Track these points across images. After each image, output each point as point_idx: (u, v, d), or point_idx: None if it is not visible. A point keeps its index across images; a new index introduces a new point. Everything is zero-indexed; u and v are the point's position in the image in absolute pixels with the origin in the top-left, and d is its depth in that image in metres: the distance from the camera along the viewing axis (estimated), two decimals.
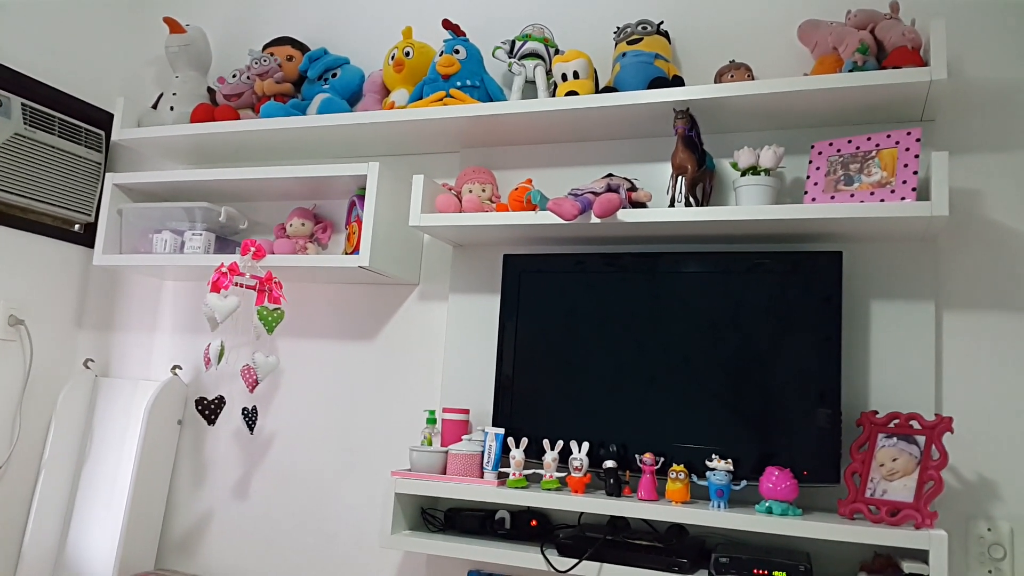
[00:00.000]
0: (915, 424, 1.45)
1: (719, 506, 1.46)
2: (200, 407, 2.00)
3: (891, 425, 1.47)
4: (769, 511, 1.43)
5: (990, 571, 1.50)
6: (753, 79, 1.69)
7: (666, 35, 1.79)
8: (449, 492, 1.62)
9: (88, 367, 2.24)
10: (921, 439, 1.43)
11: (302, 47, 2.16)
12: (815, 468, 1.49)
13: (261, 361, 1.90)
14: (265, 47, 2.16)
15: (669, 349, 1.64)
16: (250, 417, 1.97)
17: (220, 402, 2.01)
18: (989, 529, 1.50)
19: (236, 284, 1.87)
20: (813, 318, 1.55)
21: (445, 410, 1.77)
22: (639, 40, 1.75)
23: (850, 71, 1.54)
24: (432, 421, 1.78)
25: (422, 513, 1.75)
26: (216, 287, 1.84)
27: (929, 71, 1.46)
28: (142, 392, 2.12)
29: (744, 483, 1.49)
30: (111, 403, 2.16)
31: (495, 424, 1.74)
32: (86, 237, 2.30)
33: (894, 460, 1.43)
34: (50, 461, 2.11)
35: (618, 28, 1.81)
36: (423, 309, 2.00)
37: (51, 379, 2.23)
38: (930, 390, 1.56)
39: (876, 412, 1.49)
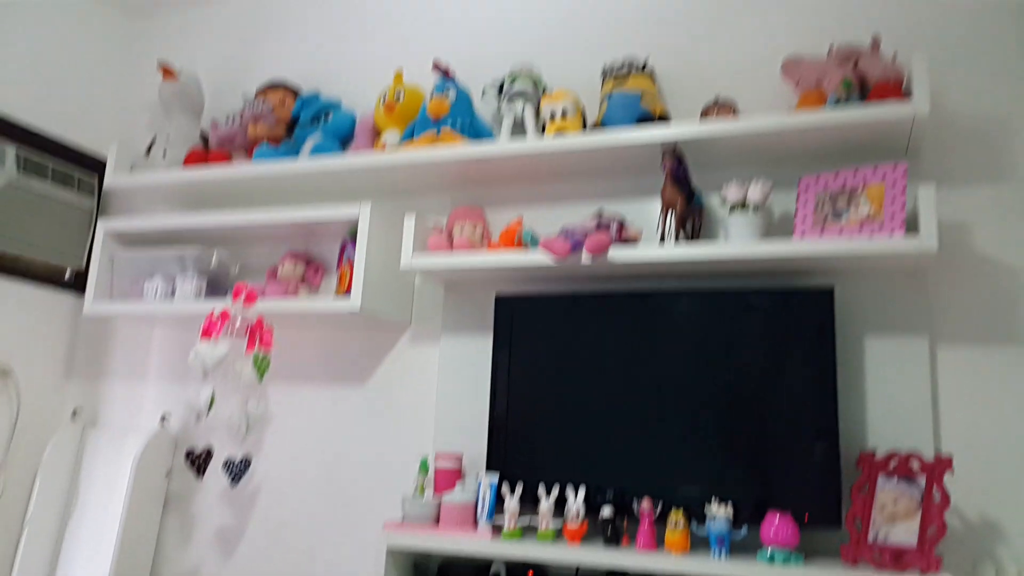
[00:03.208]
0: (915, 465, 1.42)
1: (720, 554, 1.42)
2: (189, 459, 1.96)
3: (891, 466, 1.43)
4: (771, 559, 1.39)
5: None
6: (737, 115, 1.69)
7: (651, 73, 1.81)
8: (443, 546, 1.57)
9: (75, 419, 2.19)
10: (922, 479, 1.40)
11: (295, 91, 2.17)
12: (816, 511, 1.45)
13: (252, 410, 1.87)
14: (258, 91, 2.18)
15: (664, 389, 1.61)
16: (234, 470, 1.92)
17: (208, 455, 1.97)
18: (996, 572, 1.46)
19: (228, 334, 1.84)
20: (808, 355, 1.52)
21: (437, 456, 1.74)
22: (625, 79, 1.77)
23: (834, 104, 1.54)
24: (424, 469, 1.74)
25: (414, 567, 1.70)
26: (207, 332, 1.82)
27: (912, 105, 1.46)
28: (130, 443, 2.07)
29: (745, 530, 1.45)
30: (99, 455, 2.11)
31: (489, 466, 1.70)
32: (76, 284, 2.28)
33: (895, 502, 1.40)
34: (35, 517, 2.05)
35: (604, 68, 1.83)
36: (415, 350, 1.98)
37: (38, 430, 2.19)
38: (928, 425, 1.53)
39: (874, 453, 1.46)
